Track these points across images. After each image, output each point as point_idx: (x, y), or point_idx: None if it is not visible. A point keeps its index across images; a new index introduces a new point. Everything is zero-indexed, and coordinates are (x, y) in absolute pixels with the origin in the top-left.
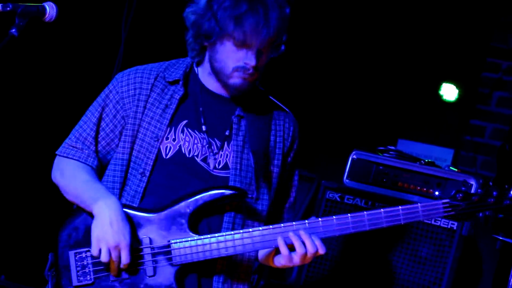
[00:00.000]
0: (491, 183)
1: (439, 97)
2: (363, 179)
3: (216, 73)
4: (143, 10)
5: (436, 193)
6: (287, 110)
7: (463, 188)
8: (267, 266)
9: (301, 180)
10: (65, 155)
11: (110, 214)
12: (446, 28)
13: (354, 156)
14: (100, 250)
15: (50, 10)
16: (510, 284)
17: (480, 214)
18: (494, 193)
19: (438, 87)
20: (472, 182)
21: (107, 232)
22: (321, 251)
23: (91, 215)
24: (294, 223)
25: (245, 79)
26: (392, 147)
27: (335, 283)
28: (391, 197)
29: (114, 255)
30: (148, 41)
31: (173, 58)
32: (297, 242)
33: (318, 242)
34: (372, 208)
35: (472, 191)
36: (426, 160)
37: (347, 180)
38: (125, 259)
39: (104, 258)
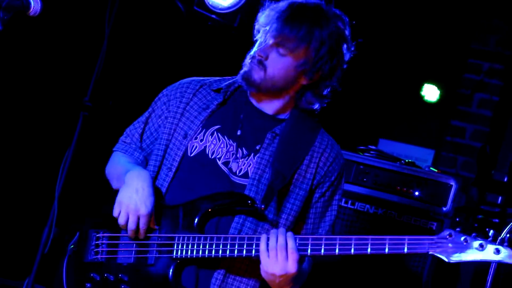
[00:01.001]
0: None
1: (421, 97)
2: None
3: None
4: (126, 6)
5: (416, 193)
6: (334, 143)
7: (457, 229)
8: None
9: None
10: (116, 149)
11: (138, 182)
12: (428, 29)
13: None
14: (120, 213)
15: (35, 4)
16: (489, 284)
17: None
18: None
19: (419, 88)
20: (452, 183)
21: (131, 197)
22: (291, 244)
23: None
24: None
25: (251, 68)
26: (373, 147)
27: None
28: (371, 197)
29: (131, 219)
30: (131, 37)
31: (155, 53)
32: (272, 236)
33: (289, 238)
34: (352, 208)
35: (452, 192)
36: (407, 160)
37: None
38: (142, 224)
39: (121, 220)
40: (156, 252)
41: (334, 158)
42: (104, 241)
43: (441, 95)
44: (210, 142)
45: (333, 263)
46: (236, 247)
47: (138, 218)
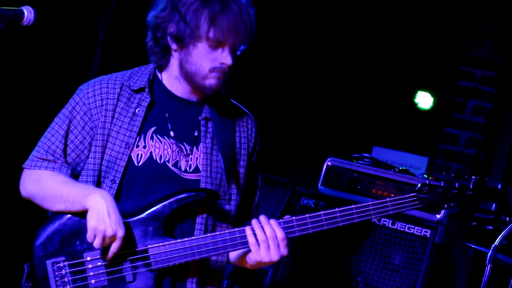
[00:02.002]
0: (453, 175)
1: (414, 105)
2: (337, 186)
3: (189, 75)
4: (120, 13)
5: None
6: (248, 112)
7: (427, 182)
8: (240, 271)
9: (276, 186)
10: (36, 168)
11: (107, 205)
12: (422, 36)
13: (329, 163)
14: (95, 238)
15: (28, 14)
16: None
17: (447, 205)
18: (456, 184)
19: (413, 95)
20: None
21: (105, 222)
22: (280, 235)
23: (75, 214)
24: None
25: (220, 78)
26: (367, 155)
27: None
28: None
29: (108, 242)
30: (125, 44)
31: (149, 59)
32: (258, 229)
33: (277, 228)
34: None
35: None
36: (401, 168)
37: (321, 187)
38: (115, 247)
39: (97, 245)
40: (131, 268)
41: (255, 126)
42: (67, 270)
43: (435, 103)
44: (153, 146)
45: (323, 272)
46: (220, 244)
47: (114, 241)
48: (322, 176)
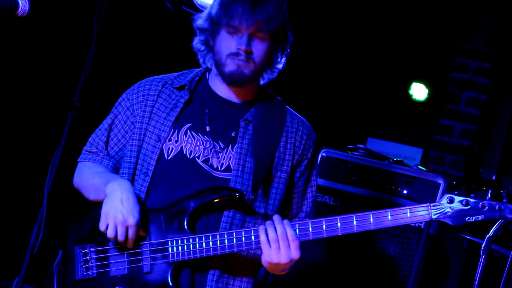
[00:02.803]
0: (484, 188)
1: (409, 96)
2: (332, 177)
3: (217, 67)
4: (115, 6)
5: (405, 191)
6: (304, 120)
7: (453, 195)
8: None
9: None
10: (82, 160)
11: (122, 192)
12: (416, 28)
13: (324, 154)
14: (107, 226)
15: (23, 4)
16: (476, 282)
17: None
18: (487, 197)
19: (408, 87)
20: (441, 181)
21: (117, 208)
22: (290, 234)
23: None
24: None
25: (238, 65)
26: (362, 146)
27: (302, 282)
28: (360, 195)
29: (120, 231)
30: (120, 37)
31: (144, 53)
32: (270, 228)
33: (288, 227)
34: (341, 206)
35: (440, 190)
36: (395, 159)
37: None
38: (131, 234)
39: (110, 233)
40: (150, 259)
41: (308, 134)
42: (92, 256)
43: (429, 94)
44: (185, 141)
45: (318, 268)
46: (235, 242)
47: (127, 229)
48: (316, 167)
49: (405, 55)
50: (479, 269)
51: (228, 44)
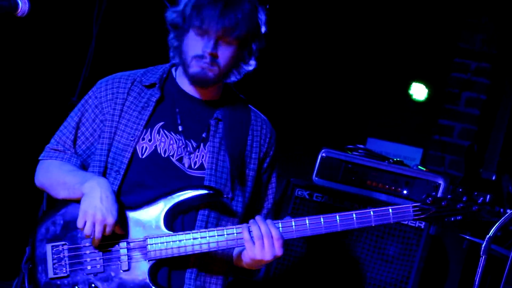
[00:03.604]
0: (460, 189)
1: (409, 96)
2: (332, 177)
3: (183, 66)
4: (114, 6)
5: (405, 191)
6: (265, 118)
7: (433, 193)
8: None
9: None
10: (47, 158)
11: (101, 191)
12: (416, 28)
13: (323, 154)
14: (85, 223)
15: (23, 5)
16: (477, 283)
17: (452, 218)
18: (463, 198)
19: (407, 87)
20: (440, 181)
21: (96, 206)
22: (275, 234)
23: (79, 201)
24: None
25: (203, 68)
26: (361, 146)
27: (303, 281)
28: (359, 195)
29: (98, 229)
30: (119, 36)
31: (143, 53)
32: (254, 226)
33: (272, 227)
34: (340, 206)
35: (440, 190)
36: (395, 159)
37: (316, 178)
38: (108, 233)
39: (87, 231)
40: (128, 257)
41: (271, 132)
42: (65, 254)
43: (429, 94)
44: (159, 140)
45: (317, 264)
46: (216, 239)
47: (105, 227)
48: (316, 167)
49: (404, 55)
50: (479, 270)
51: (194, 45)
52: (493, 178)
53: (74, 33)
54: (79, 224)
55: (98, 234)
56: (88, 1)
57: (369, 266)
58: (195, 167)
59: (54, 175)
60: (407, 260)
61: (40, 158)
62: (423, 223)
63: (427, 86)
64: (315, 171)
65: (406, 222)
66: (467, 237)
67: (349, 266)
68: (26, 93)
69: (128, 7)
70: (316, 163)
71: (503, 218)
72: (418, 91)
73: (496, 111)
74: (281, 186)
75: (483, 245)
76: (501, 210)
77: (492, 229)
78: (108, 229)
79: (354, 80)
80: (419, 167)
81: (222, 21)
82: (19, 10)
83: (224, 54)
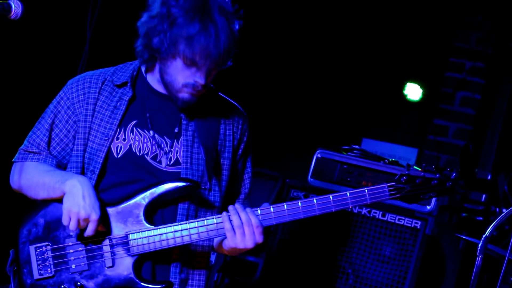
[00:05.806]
0: (433, 167)
1: (404, 96)
2: (327, 178)
3: (165, 84)
4: (108, 9)
5: None
6: (237, 104)
7: (406, 171)
8: (231, 264)
9: (265, 179)
10: (22, 160)
11: (83, 189)
12: (410, 28)
13: (319, 155)
14: (70, 221)
15: (16, 7)
16: (473, 282)
17: (427, 195)
18: (437, 175)
19: (402, 87)
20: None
21: (79, 204)
22: (255, 221)
23: (59, 201)
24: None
25: (193, 95)
26: (357, 146)
27: (299, 281)
28: None
29: (83, 225)
30: (113, 39)
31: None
32: (234, 216)
33: (251, 215)
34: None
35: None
36: (390, 159)
37: (311, 179)
38: (93, 229)
39: (72, 227)
40: (111, 253)
41: (243, 118)
42: (49, 254)
43: (424, 94)
44: (133, 139)
45: (313, 265)
46: (197, 230)
47: (88, 224)
48: (311, 168)
49: (399, 55)
50: (476, 269)
51: (184, 74)
52: (489, 177)
53: (68, 36)
54: (64, 221)
55: (89, 231)
56: (81, 5)
57: (365, 267)
58: (171, 163)
59: (32, 176)
60: (403, 260)
61: (14, 160)
62: (419, 223)
63: (421, 86)
64: (310, 172)
65: (401, 222)
66: (463, 237)
67: (346, 267)
68: (21, 96)
69: (122, 10)
70: (311, 164)
71: (499, 218)
72: (413, 91)
73: (491, 110)
74: (276, 187)
75: (480, 245)
76: (497, 209)
77: (488, 229)
78: (92, 226)
79: (349, 81)
80: (415, 167)
81: (215, 56)
82: (12, 13)
83: (210, 79)
